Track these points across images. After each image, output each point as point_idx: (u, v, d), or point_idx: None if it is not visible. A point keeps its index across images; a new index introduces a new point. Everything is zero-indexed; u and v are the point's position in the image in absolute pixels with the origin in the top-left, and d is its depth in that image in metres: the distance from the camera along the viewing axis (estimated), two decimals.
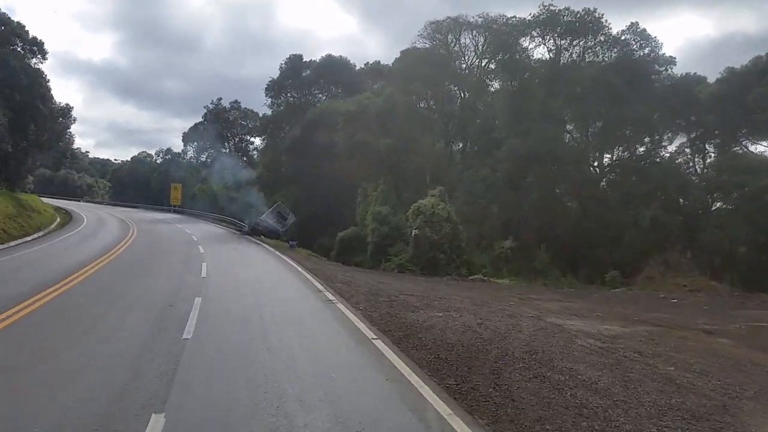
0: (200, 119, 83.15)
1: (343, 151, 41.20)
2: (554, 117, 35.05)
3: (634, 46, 34.75)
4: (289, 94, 59.44)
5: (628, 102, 32.70)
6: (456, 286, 23.89)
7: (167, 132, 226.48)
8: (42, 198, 64.35)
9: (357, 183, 42.61)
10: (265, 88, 59.18)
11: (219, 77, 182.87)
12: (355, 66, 59.29)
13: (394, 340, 10.49)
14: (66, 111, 57.62)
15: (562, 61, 36.48)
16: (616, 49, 35.36)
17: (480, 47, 43.29)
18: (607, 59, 35.99)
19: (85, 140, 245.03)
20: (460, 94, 43.59)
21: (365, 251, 37.10)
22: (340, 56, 59.61)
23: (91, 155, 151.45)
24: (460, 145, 44.22)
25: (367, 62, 59.84)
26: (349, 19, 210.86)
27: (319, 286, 17.39)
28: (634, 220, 31.16)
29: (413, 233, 30.93)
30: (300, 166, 50.66)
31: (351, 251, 38.26)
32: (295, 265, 24.02)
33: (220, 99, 78.89)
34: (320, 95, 59.10)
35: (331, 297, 15.25)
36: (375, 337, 10.62)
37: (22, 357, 8.61)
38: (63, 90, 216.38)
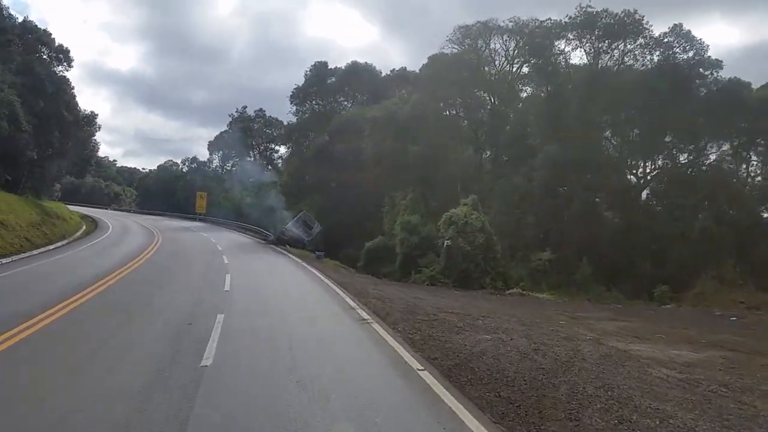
0: (225, 128, 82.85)
1: (370, 159, 39.95)
2: (593, 123, 33.38)
3: (677, 49, 32.89)
4: (314, 102, 58.51)
5: (671, 107, 30.90)
6: (495, 301, 22.36)
7: (193, 141, 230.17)
8: (69, 206, 64.27)
9: (384, 192, 41.25)
10: (290, 96, 58.45)
11: (244, 87, 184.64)
12: (380, 73, 58.26)
13: (444, 371, 9.04)
14: (91, 119, 57.43)
15: (600, 65, 34.75)
16: (658, 52, 33.53)
17: (511, 52, 41.87)
18: (648, 63, 34.17)
19: (113, 149, 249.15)
20: (490, 100, 42.09)
21: (393, 262, 35.73)
22: (366, 63, 58.66)
23: (119, 164, 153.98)
24: (488, 153, 42.72)
25: (393, 69, 58.69)
26: (371, 29, 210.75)
27: (351, 302, 16.05)
28: (681, 231, 29.31)
29: (445, 244, 29.48)
30: (325, 174, 49.56)
31: (378, 262, 36.92)
32: (323, 277, 22.73)
33: (245, 107, 78.43)
34: (345, 102, 58.10)
35: (365, 315, 13.89)
36: (421, 367, 9.17)
37: (2, 395, 7.31)
38: (91, 99, 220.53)
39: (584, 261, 29.21)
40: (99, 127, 60.49)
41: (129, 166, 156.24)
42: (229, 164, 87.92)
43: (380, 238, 38.10)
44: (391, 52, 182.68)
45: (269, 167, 78.58)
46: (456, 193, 35.50)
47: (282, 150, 76.24)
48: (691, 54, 32.73)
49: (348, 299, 16.62)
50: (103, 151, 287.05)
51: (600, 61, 34.49)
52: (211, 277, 20.40)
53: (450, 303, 18.58)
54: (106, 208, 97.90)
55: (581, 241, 30.59)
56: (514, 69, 42.12)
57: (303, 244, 40.30)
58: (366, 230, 43.53)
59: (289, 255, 33.44)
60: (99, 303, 14.21)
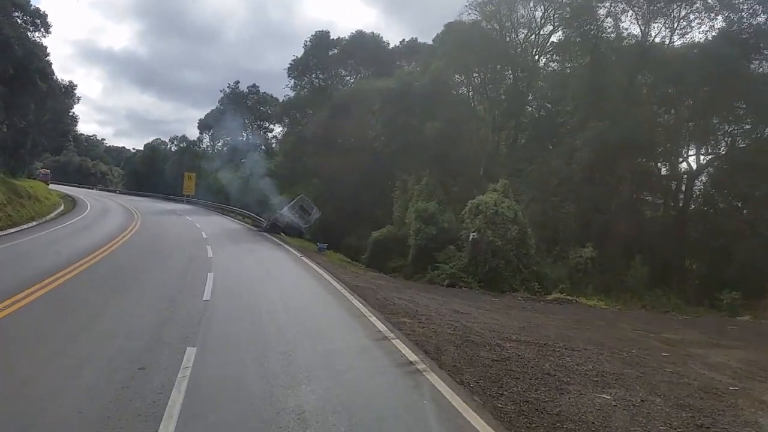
0: (216, 105, 77.78)
1: (380, 137, 35.31)
2: (642, 99, 28.83)
3: (745, 13, 28.04)
4: (314, 75, 53.43)
5: (736, 81, 26.29)
6: (544, 311, 17.86)
7: (187, 122, 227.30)
8: (51, 185, 59.68)
9: (395, 175, 36.64)
10: (288, 68, 53.35)
11: (239, 69, 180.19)
12: (388, 44, 53.07)
13: None
14: (69, 90, 52.43)
15: (651, 33, 30.05)
16: (721, 18, 28.75)
17: (538, 20, 37.22)
18: (709, 30, 29.37)
19: (104, 128, 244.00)
20: (514, 73, 37.39)
21: (404, 255, 31.25)
22: (372, 33, 53.48)
23: (109, 144, 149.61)
24: (511, 132, 38.04)
25: (403, 39, 53.29)
26: (369, 11, 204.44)
27: (378, 324, 11.45)
28: (749, 226, 24.91)
29: (471, 236, 24.95)
30: (325, 154, 44.86)
31: (386, 254, 32.43)
32: (331, 279, 18.12)
33: (237, 83, 73.36)
34: (348, 78, 53.06)
35: (408, 352, 9.28)
36: None
37: None
38: (83, 78, 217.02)
39: (637, 259, 24.71)
40: (78, 99, 55.68)
41: (118, 145, 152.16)
42: (220, 144, 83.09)
43: (388, 228, 33.55)
44: (390, 36, 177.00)
45: (263, 147, 73.76)
46: (478, 178, 30.99)
47: (277, 129, 71.49)
48: (762, 18, 27.84)
49: (373, 318, 12.00)
50: (94, 130, 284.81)
51: (651, 29, 29.76)
52: (189, 279, 15.75)
53: (501, 320, 14.08)
54: (92, 188, 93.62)
55: (629, 235, 26.11)
56: (541, 39, 37.54)
57: (300, 232, 35.71)
58: (371, 218, 39.07)
59: (286, 246, 28.75)
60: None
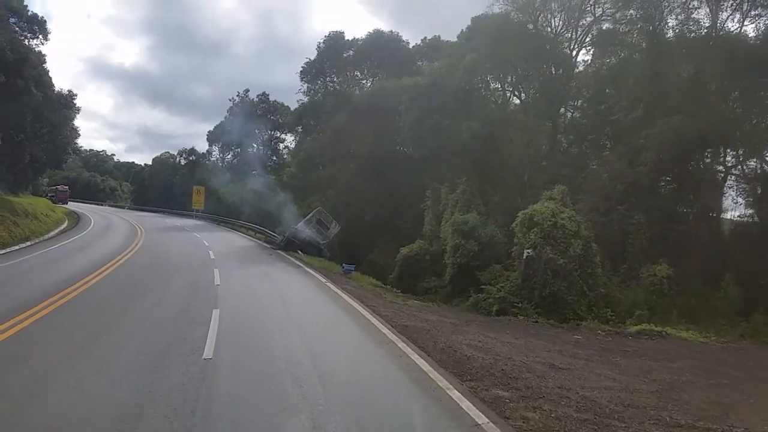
0: (226, 115, 74.60)
1: (407, 141, 31.59)
2: (713, 91, 24.87)
3: None
4: (327, 79, 49.81)
5: None
6: (646, 352, 13.88)
7: (197, 137, 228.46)
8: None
9: (424, 184, 32.84)
10: (301, 71, 49.84)
11: (248, 83, 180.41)
12: (408, 43, 49.24)
13: None
14: (68, 99, 49.25)
15: (722, 17, 26.06)
16: None
17: (577, 10, 33.33)
18: None
19: (116, 144, 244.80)
20: (553, 69, 33.51)
21: (438, 274, 27.51)
22: (391, 31, 49.67)
23: (119, 159, 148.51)
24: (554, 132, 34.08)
25: (424, 37, 49.25)
26: (377, 23, 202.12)
27: (464, 402, 7.49)
28: None
29: (525, 254, 21.06)
30: (343, 163, 41.26)
31: (418, 273, 28.61)
32: (368, 315, 14.25)
33: (247, 91, 69.96)
34: (365, 81, 49.43)
35: None
36: None
37: None
38: (94, 94, 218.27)
39: (727, 278, 20.64)
40: (78, 110, 52.36)
41: (128, 161, 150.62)
42: (229, 156, 79.83)
43: (419, 243, 29.75)
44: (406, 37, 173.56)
45: (274, 159, 70.40)
46: (522, 185, 27.18)
47: (289, 139, 68.00)
48: None
49: (452, 390, 8.06)
50: (106, 146, 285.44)
51: (722, 9, 25.74)
52: (185, 326, 11.80)
53: (619, 378, 10.13)
54: (101, 204, 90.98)
55: (710, 248, 22.09)
56: (579, 32, 33.70)
57: (318, 250, 31.94)
58: (396, 232, 35.38)
59: (305, 268, 24.89)
60: None
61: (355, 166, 39.41)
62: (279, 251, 31.78)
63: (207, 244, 32.91)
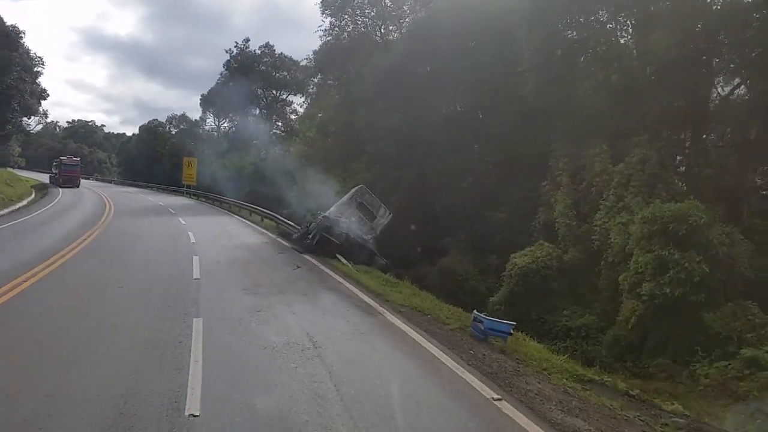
0: (222, 71, 62.26)
1: (531, 82, 19.89)
2: None
3: None
4: (357, 14, 36.96)
5: None
6: None
7: (194, 111, 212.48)
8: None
9: (542, 150, 21.12)
10: (321, 1, 36.92)
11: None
12: None
13: None
14: (12, 35, 37.16)
15: None
16: None
17: None
18: None
19: (111, 117, 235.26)
20: None
21: (583, 301, 16.09)
22: None
23: (109, 130, 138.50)
24: None
25: None
26: None
27: None
28: None
29: None
30: (388, 124, 29.35)
31: (541, 298, 17.17)
32: None
33: (247, 41, 57.54)
34: (408, 16, 36.32)
35: None
36: None
37: None
38: (89, 66, 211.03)
39: None
40: (41, 71, 40.48)
41: (118, 132, 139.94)
42: (226, 123, 67.96)
43: (545, 247, 18.00)
44: None
45: (279, 124, 58.56)
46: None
47: (298, 102, 55.96)
48: None
49: None
50: (101, 119, 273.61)
51: None
52: None
53: None
54: (88, 178, 79.73)
55: None
56: None
57: (369, 254, 20.46)
58: (486, 224, 23.86)
59: (388, 315, 11.60)
60: None
61: (409, 130, 27.53)
62: (304, 254, 20.05)
63: (194, 241, 21.50)
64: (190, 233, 23.71)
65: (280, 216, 28.69)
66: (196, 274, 14.45)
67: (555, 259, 17.20)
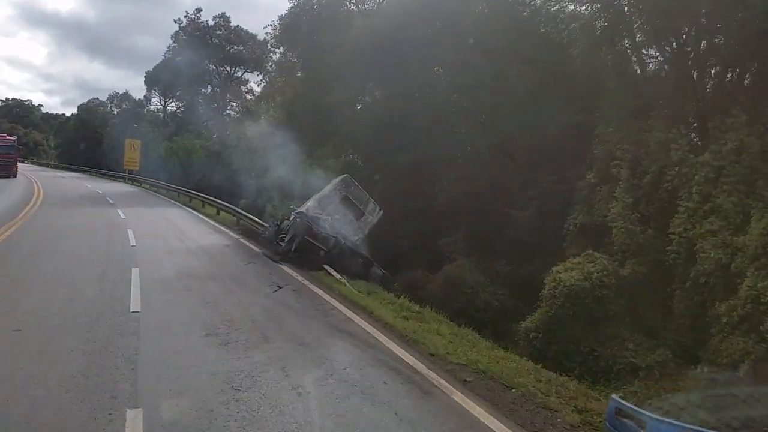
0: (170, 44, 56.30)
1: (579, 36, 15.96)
2: None
3: None
4: None
5: None
6: None
7: (140, 92, 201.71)
8: None
9: (579, 131, 17.16)
10: None
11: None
12: None
13: None
14: None
15: None
16: None
17: None
18: None
19: (51, 98, 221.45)
20: None
21: (653, 332, 12.39)
22: None
23: (48, 111, 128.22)
24: None
25: None
26: None
27: None
28: None
29: None
30: (369, 103, 25.02)
31: (593, 326, 13.21)
32: None
33: (199, 11, 51.83)
34: None
35: None
36: None
37: None
38: (28, 43, 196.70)
39: None
40: None
41: (57, 113, 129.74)
42: (173, 104, 62.11)
43: (598, 259, 13.87)
44: None
45: (233, 104, 53.37)
46: None
47: (254, 81, 50.83)
48: None
49: None
50: (41, 100, 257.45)
51: None
52: None
53: None
54: (23, 161, 72.76)
55: None
56: None
57: (366, 264, 16.22)
58: (500, 226, 19.95)
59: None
60: None
61: (398, 108, 23.21)
62: (280, 263, 15.53)
63: (133, 244, 16.76)
64: (129, 231, 18.96)
65: (240, 209, 24.07)
66: (133, 305, 9.88)
67: (612, 274, 13.32)
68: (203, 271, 13.63)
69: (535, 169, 18.83)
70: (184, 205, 31.57)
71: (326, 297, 11.77)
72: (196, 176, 37.38)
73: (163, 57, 58.52)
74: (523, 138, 19.67)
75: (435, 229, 21.68)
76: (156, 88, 64.09)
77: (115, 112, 75.76)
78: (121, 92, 73.38)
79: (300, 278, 13.57)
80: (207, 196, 29.19)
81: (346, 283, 13.00)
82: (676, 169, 13.20)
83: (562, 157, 18.08)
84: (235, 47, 52.24)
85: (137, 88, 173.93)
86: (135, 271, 12.67)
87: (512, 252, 19.70)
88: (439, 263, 20.96)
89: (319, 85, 27.54)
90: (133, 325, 8.69)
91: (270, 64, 45.92)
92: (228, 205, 25.69)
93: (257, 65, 50.49)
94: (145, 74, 63.76)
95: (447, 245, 21.49)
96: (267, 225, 19.29)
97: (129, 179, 48.22)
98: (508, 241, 19.71)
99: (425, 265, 20.88)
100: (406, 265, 20.99)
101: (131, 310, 9.53)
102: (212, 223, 24.45)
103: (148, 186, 42.78)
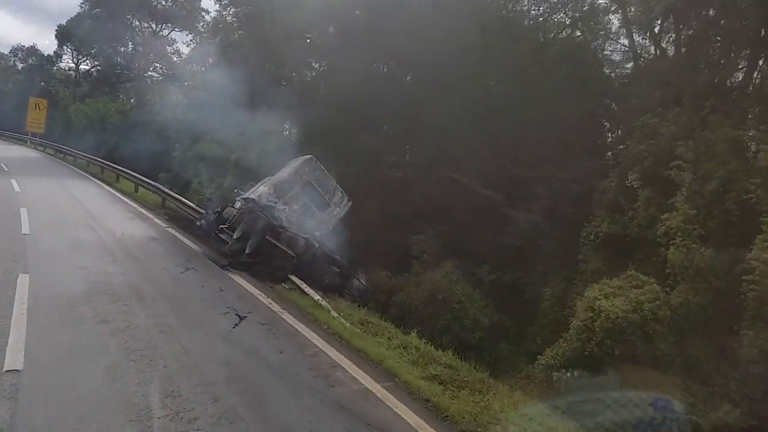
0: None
1: None
2: None
3: None
4: None
5: None
6: None
7: (50, 48, 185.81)
8: None
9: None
10: None
11: None
12: None
13: None
14: None
15: None
16: None
17: None
18: None
19: None
20: None
21: (707, 378, 9.86)
22: None
23: None
24: None
25: None
26: None
27: None
28: None
29: None
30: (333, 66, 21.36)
31: (634, 366, 10.41)
32: None
33: None
34: None
35: None
36: None
37: None
38: None
39: None
40: None
41: None
42: (88, 61, 55.63)
43: (653, 288, 10.89)
44: None
45: (157, 65, 48.03)
46: None
47: (184, 40, 45.86)
48: None
49: None
50: None
51: None
52: None
53: None
54: None
55: None
56: None
57: (344, 278, 12.77)
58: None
59: None
60: None
61: (371, 74, 19.64)
62: (228, 271, 11.73)
63: (25, 232, 12.64)
64: (23, 211, 14.70)
65: (169, 190, 19.88)
66: (9, 358, 6.02)
67: (665, 305, 10.47)
68: (124, 284, 9.67)
69: (541, 163, 15.78)
70: (94, 176, 26.67)
71: (314, 338, 8.07)
72: (110, 144, 32.78)
73: (78, 8, 51.80)
74: (526, 128, 16.56)
75: (405, 224, 18.44)
76: (69, 43, 57.04)
77: (20, 68, 67.46)
78: (27, 45, 64.95)
79: (263, 298, 9.85)
80: (123, 168, 24.53)
81: (336, 315, 9.31)
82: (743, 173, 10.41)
83: (573, 150, 15.16)
84: (163, 2, 46.71)
85: (48, 46, 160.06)
86: (22, 281, 8.74)
87: (496, 257, 16.82)
88: (406, 263, 17.87)
89: (264, 44, 23.44)
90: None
91: (201, 24, 41.48)
92: (150, 181, 21.27)
93: (187, 24, 45.35)
94: (57, 27, 56.52)
95: (417, 243, 18.35)
96: (204, 212, 15.47)
97: (32, 143, 42.28)
98: (492, 244, 16.77)
99: (389, 266, 17.67)
100: (362, 262, 17.53)
101: (4, 370, 5.70)
102: (131, 203, 19.99)
103: (53, 152, 37.09)
